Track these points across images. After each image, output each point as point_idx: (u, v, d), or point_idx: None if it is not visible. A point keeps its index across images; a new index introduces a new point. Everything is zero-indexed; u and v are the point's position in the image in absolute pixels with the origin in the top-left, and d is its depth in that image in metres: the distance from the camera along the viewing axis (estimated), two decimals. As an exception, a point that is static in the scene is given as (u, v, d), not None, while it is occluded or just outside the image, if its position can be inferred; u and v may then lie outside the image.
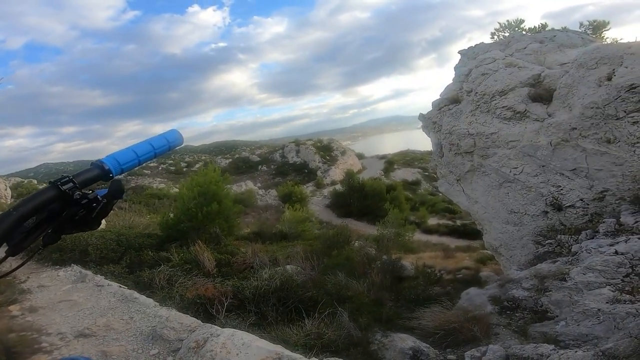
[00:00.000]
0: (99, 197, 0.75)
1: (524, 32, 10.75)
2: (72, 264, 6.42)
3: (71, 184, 0.72)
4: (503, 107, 7.56)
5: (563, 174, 6.41)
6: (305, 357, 3.09)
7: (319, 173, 43.78)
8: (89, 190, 0.76)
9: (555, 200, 6.46)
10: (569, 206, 6.29)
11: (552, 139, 6.51)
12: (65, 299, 4.85)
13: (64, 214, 0.71)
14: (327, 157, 48.05)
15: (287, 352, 3.06)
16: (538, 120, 6.95)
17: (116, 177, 0.81)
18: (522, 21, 11.48)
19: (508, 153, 7.35)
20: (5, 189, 26.48)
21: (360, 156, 59.19)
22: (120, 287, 5.23)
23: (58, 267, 6.40)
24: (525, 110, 7.19)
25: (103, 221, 0.78)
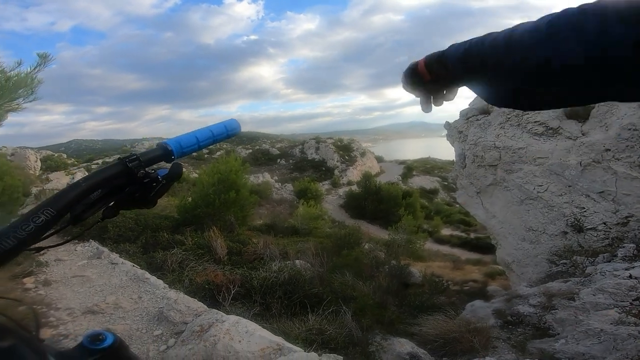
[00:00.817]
0: (159, 177, 0.77)
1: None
2: (91, 240, 6.53)
3: (137, 162, 0.74)
4: (535, 122, 7.35)
5: (589, 196, 6.21)
6: (305, 351, 3.13)
7: (336, 172, 43.71)
8: (152, 169, 0.78)
9: (577, 222, 6.28)
10: (590, 228, 6.09)
11: (583, 159, 6.30)
12: (79, 274, 4.92)
13: (125, 190, 0.73)
14: (346, 157, 47.89)
15: (287, 343, 3.08)
16: (570, 139, 6.74)
17: (177, 160, 0.83)
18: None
19: (534, 170, 7.16)
20: (36, 161, 27.74)
21: (379, 159, 58.73)
22: (133, 266, 5.30)
23: (77, 241, 6.46)
24: (559, 126, 6.97)
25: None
